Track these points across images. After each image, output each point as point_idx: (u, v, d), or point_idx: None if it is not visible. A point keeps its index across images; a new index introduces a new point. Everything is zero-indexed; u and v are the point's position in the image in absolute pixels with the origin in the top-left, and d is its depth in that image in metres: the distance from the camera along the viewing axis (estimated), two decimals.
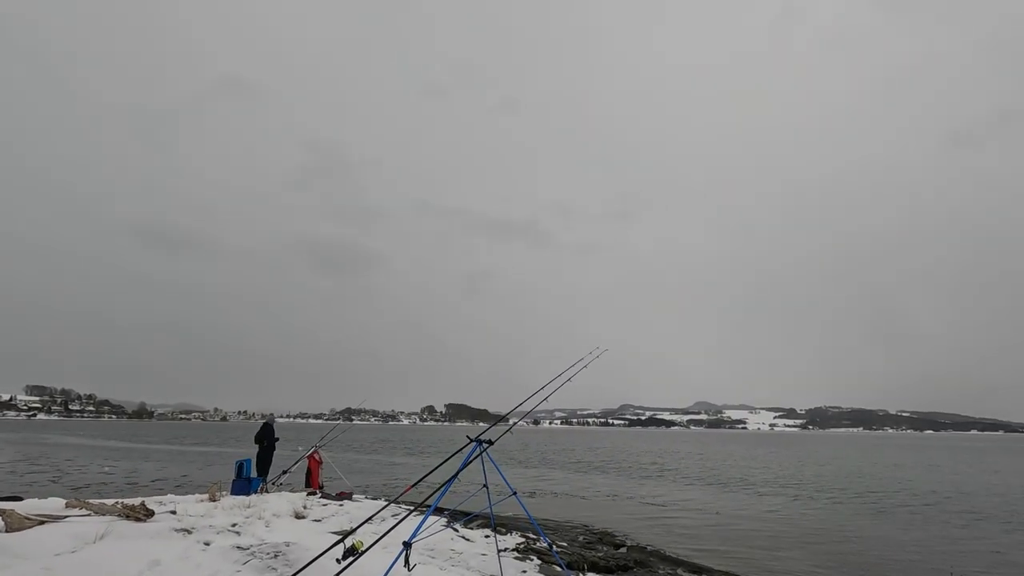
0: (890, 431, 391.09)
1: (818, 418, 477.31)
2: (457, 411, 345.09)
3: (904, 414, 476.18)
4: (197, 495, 11.15)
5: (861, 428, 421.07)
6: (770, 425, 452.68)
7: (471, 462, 5.19)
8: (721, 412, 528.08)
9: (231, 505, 9.61)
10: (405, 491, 5.47)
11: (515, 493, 5.51)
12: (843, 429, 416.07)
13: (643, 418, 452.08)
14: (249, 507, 9.41)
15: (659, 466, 33.10)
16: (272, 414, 15.74)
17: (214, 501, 9.92)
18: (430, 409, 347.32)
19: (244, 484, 11.83)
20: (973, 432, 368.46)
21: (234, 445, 48.84)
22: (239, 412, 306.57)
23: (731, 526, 13.71)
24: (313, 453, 13.08)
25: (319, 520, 9.37)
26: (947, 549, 11.44)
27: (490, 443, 5.30)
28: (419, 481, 5.77)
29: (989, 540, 12.41)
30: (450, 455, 5.48)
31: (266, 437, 13.55)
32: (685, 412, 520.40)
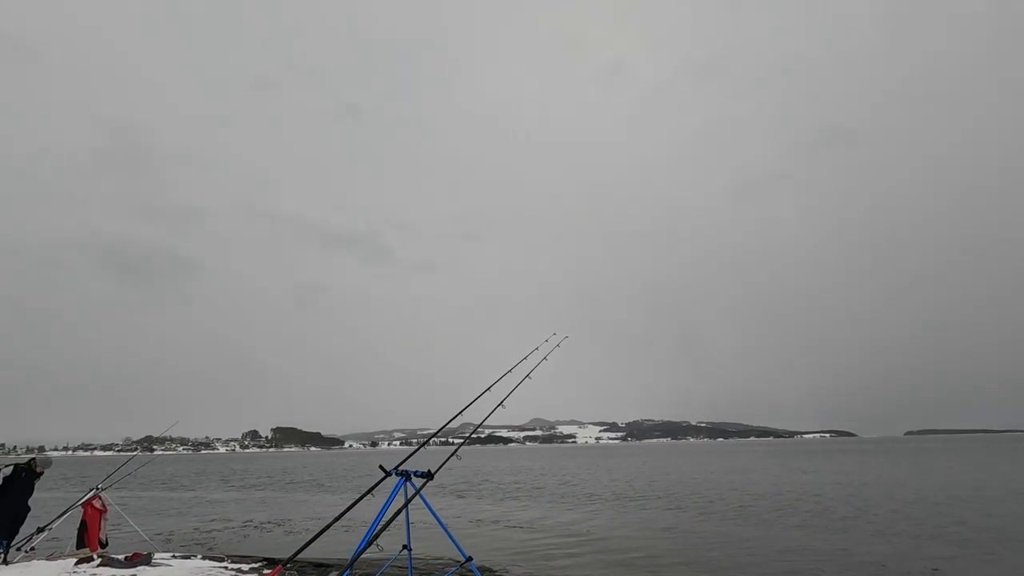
0: (692, 440, 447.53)
1: (635, 430, 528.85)
2: (286, 435, 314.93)
3: (702, 425, 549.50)
4: None
5: (669, 438, 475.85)
6: (596, 438, 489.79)
7: (393, 517, 3.14)
8: (554, 428, 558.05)
9: None
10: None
11: (469, 560, 3.47)
12: (655, 440, 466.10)
13: (483, 436, 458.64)
14: None
15: (516, 485, 32.21)
16: (39, 452, 10.40)
17: None
18: (253, 434, 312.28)
19: None
20: (752, 439, 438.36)
21: None
22: None
23: (606, 545, 12.87)
24: (91, 499, 9.23)
25: None
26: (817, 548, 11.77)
27: (428, 476, 3.30)
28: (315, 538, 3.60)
29: (856, 540, 13.17)
30: (360, 496, 3.38)
31: (13, 483, 9.42)
32: (521, 429, 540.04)
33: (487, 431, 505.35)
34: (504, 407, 4.19)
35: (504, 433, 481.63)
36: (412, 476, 3.41)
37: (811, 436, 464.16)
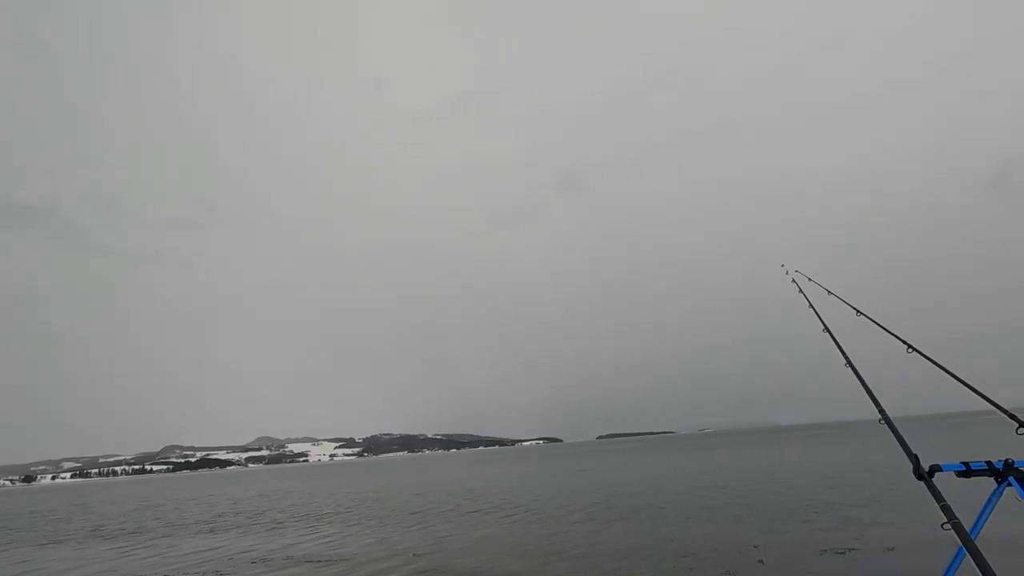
0: (428, 452, 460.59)
1: (373, 445, 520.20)
2: None
3: (438, 437, 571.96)
4: None
5: (407, 451, 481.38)
6: (331, 455, 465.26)
7: None
8: (284, 446, 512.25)
9: None
10: None
11: None
12: (393, 454, 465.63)
13: (193, 460, 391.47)
14: None
15: (247, 514, 26.86)
16: None
17: None
18: None
19: None
20: (481, 448, 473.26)
21: None
22: None
23: (446, 562, 10.80)
24: None
25: None
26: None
27: None
28: None
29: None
30: None
31: None
32: (245, 449, 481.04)
33: (198, 454, 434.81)
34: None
35: (222, 455, 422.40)
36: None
37: (529, 443, 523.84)
